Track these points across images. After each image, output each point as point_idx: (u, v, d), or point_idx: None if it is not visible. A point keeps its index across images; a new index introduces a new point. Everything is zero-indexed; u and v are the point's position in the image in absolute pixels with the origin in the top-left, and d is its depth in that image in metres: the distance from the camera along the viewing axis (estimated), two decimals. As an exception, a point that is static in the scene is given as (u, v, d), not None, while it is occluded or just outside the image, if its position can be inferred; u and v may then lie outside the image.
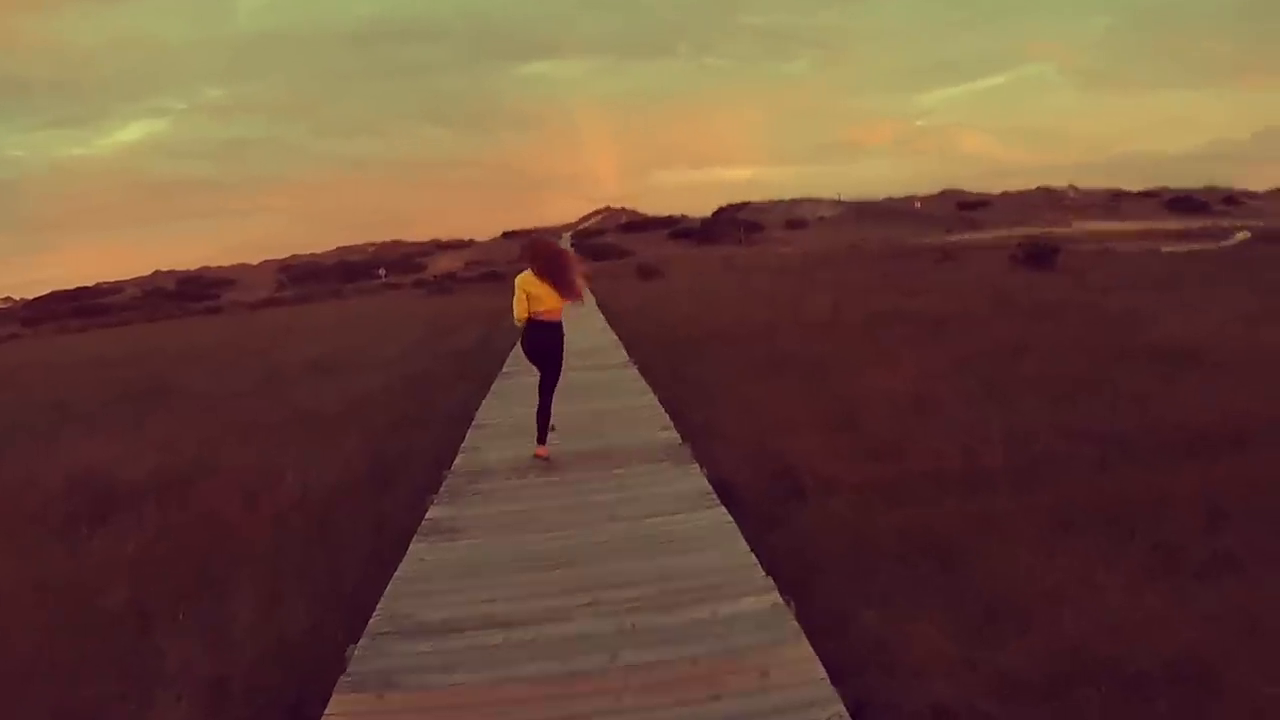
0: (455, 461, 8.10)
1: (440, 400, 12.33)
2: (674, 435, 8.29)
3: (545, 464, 7.75)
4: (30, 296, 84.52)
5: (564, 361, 8.46)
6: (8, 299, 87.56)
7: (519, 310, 8.12)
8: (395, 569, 5.40)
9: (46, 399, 17.26)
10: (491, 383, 12.87)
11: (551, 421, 8.29)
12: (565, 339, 8.40)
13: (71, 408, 15.59)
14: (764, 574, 4.77)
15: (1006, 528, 5.97)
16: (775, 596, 4.48)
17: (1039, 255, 31.60)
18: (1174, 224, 70.14)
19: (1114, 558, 5.43)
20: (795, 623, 4.23)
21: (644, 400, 10.21)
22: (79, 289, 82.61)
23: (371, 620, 4.61)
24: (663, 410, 9.51)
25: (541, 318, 8.10)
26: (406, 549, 5.82)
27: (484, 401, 11.18)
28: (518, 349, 16.31)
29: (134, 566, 6.41)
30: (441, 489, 7.19)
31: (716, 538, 5.42)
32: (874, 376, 11.94)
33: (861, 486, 7.23)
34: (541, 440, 8.16)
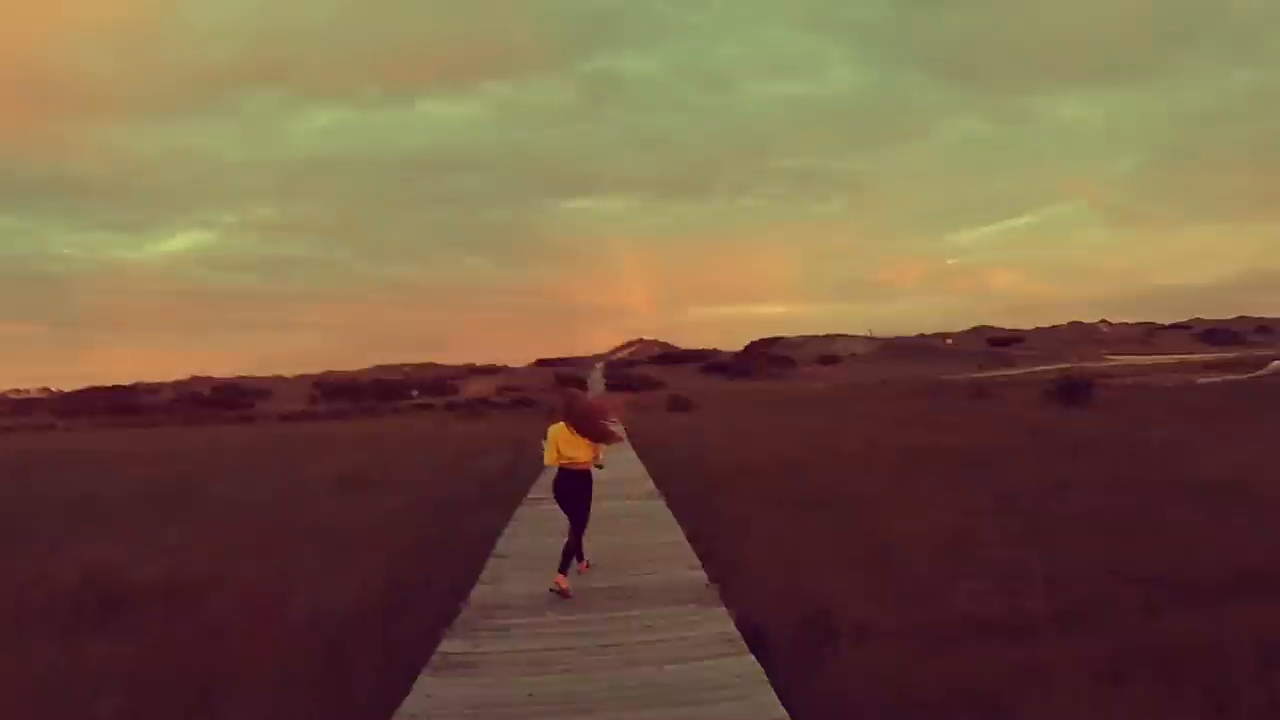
0: (473, 592, 7.78)
1: (463, 526, 12.05)
2: (701, 575, 7.99)
3: (566, 600, 7.43)
4: (68, 390, 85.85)
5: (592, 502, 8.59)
6: (45, 390, 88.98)
7: (549, 458, 8.40)
8: (400, 704, 5.06)
9: (71, 493, 17.28)
10: (515, 509, 12.54)
11: (586, 559, 8.59)
12: (594, 476, 8.60)
13: (94, 504, 15.54)
14: (795, 732, 4.39)
15: (1054, 677, 5.62)
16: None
17: (1073, 390, 31.34)
18: (1209, 355, 69.66)
19: (1167, 707, 5.12)
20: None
21: (671, 536, 9.92)
22: (116, 387, 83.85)
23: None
24: (690, 547, 9.18)
25: (571, 466, 8.34)
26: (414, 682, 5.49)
27: (506, 529, 10.89)
28: (544, 476, 16.31)
29: (131, 676, 6.16)
30: (456, 621, 6.86)
31: (743, 688, 5.07)
32: (910, 515, 11.63)
33: (899, 632, 6.90)
34: (563, 569, 8.01)
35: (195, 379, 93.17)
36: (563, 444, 8.29)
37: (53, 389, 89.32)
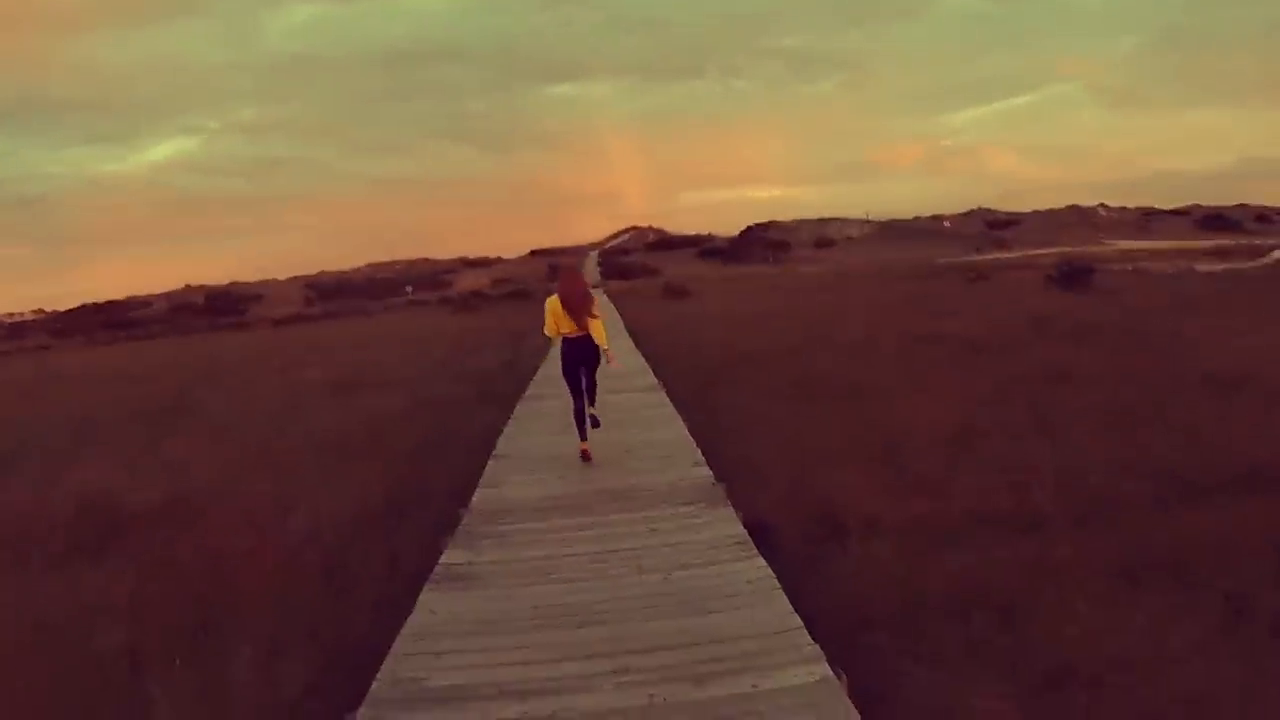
0: (473, 498, 7.63)
1: (461, 425, 11.92)
2: (706, 473, 7.80)
3: (568, 503, 7.27)
4: (61, 309, 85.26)
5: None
6: (39, 311, 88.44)
7: (548, 329, 9.34)
8: (404, 620, 4.95)
9: (67, 415, 17.09)
10: (514, 406, 12.39)
11: (595, 416, 9.25)
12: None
13: (90, 425, 15.37)
14: (810, 640, 4.28)
15: (1066, 578, 5.54)
16: (824, 668, 4.00)
17: (1073, 275, 30.96)
18: (1207, 242, 69.23)
19: (1183, 612, 5.02)
20: (848, 701, 3.74)
21: (673, 431, 9.71)
22: (108, 302, 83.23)
23: (374, 685, 4.16)
24: (694, 444, 9.00)
25: (571, 335, 9.15)
26: (417, 596, 5.38)
27: (506, 428, 10.72)
28: (543, 370, 16.18)
29: (133, 605, 6.10)
30: (458, 529, 6.72)
31: (755, 595, 4.92)
32: (913, 404, 11.50)
33: (906, 528, 6.83)
34: (583, 437, 9.07)
35: (188, 288, 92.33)
36: (559, 317, 9.12)
37: (46, 309, 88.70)
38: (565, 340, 9.21)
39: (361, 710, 3.91)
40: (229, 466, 10.52)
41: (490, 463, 8.88)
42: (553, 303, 9.20)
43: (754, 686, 3.87)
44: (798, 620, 4.51)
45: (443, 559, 6.02)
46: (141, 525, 8.13)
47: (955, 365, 14.49)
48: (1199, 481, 7.22)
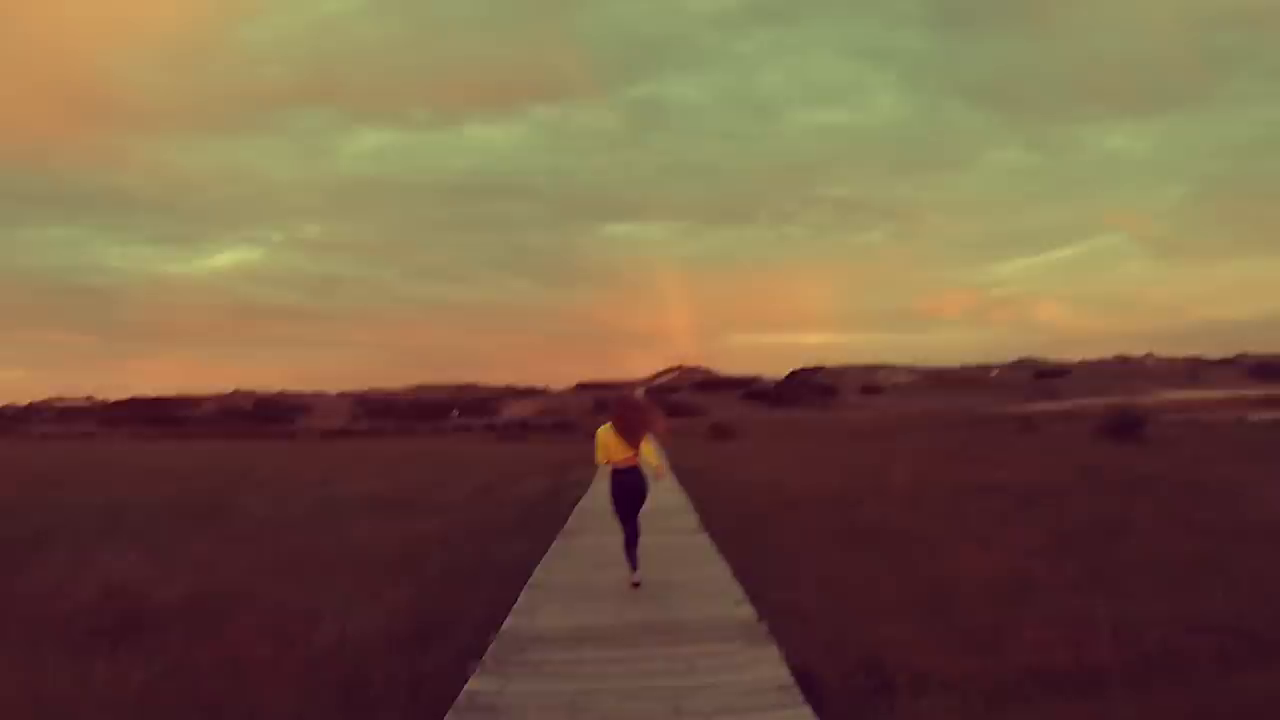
0: (505, 624, 7.32)
1: (499, 553, 11.63)
2: (749, 612, 7.46)
3: (604, 635, 6.95)
4: (112, 399, 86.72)
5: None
6: (90, 399, 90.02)
7: (599, 458, 9.27)
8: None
9: (103, 502, 17.18)
10: (553, 538, 12.09)
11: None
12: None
13: (125, 515, 15.38)
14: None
15: None
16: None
17: (1124, 426, 30.34)
18: (1258, 391, 67.94)
19: None
20: None
21: (715, 571, 9.40)
22: (158, 398, 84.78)
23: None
24: (736, 583, 8.67)
25: (621, 465, 9.11)
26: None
27: (544, 559, 10.42)
28: (583, 503, 15.91)
29: (139, 703, 5.90)
30: (486, 655, 6.40)
31: None
32: (964, 554, 11.07)
33: (958, 684, 6.38)
34: (633, 566, 9.07)
35: (237, 393, 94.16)
36: (611, 445, 9.09)
37: (96, 398, 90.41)
38: (615, 472, 9.18)
39: None
40: (258, 571, 10.34)
41: (525, 591, 8.58)
42: (604, 432, 9.20)
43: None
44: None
45: (468, 686, 5.71)
46: (162, 621, 7.95)
47: (1006, 515, 14.04)
48: (1266, 636, 6.84)
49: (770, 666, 5.95)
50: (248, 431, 56.18)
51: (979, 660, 6.93)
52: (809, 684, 6.11)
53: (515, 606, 7.90)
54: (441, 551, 11.92)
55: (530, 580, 9.16)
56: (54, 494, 19.57)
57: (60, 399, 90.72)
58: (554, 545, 11.52)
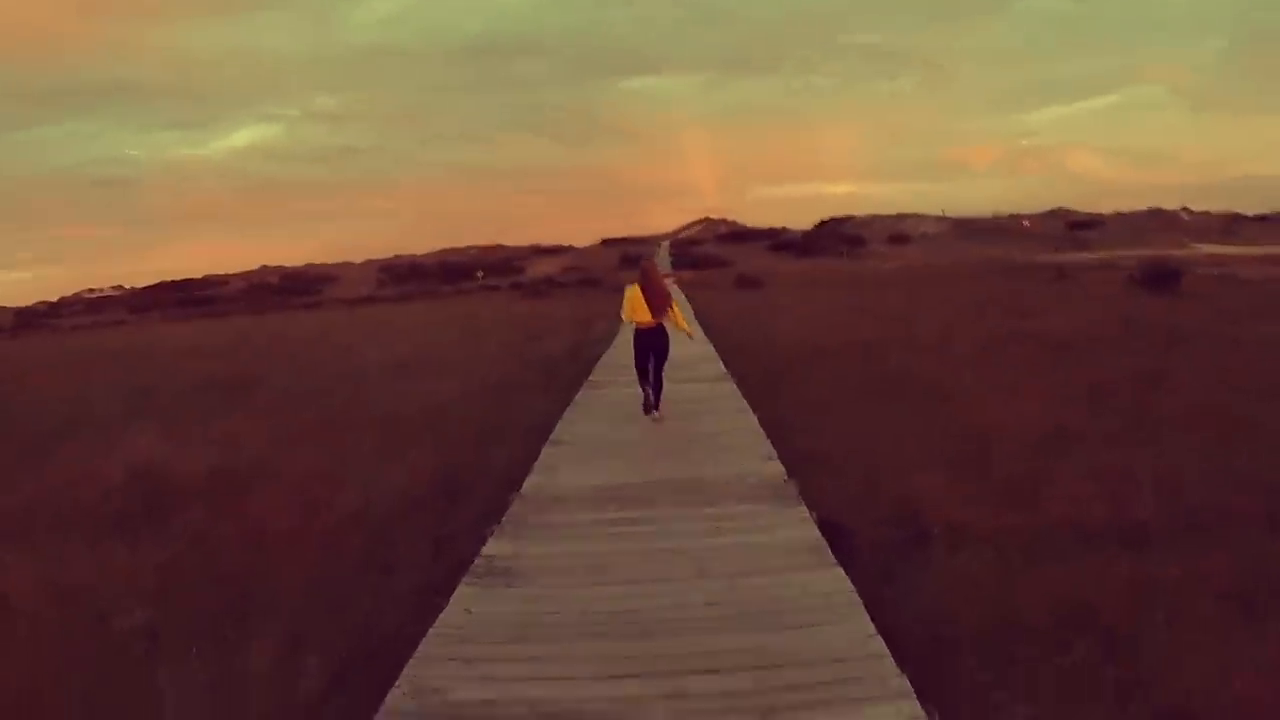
0: (526, 483, 7.12)
1: (521, 410, 11.47)
2: (778, 468, 7.17)
3: (627, 495, 6.70)
4: (140, 286, 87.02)
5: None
6: (118, 286, 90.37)
7: (625, 313, 9.99)
8: (436, 620, 4.43)
9: (134, 385, 17.22)
10: (577, 392, 11.88)
11: (660, 403, 9.95)
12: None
13: (154, 395, 15.44)
14: (896, 671, 3.64)
15: (1176, 603, 4.80)
16: (914, 707, 3.36)
17: (1160, 278, 29.48)
18: (1296, 248, 66.36)
19: None
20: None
21: (743, 422, 9.11)
22: (185, 280, 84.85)
23: (391, 693, 3.64)
24: (764, 436, 8.39)
25: (644, 325, 9.87)
26: (455, 589, 4.89)
27: (565, 414, 10.22)
28: (607, 357, 15.68)
29: (164, 580, 5.78)
30: (505, 517, 6.20)
31: (832, 611, 4.28)
32: (998, 404, 10.75)
33: (995, 537, 6.12)
34: (653, 408, 9.88)
35: (264, 269, 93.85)
36: (637, 305, 9.77)
37: (125, 286, 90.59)
38: (638, 330, 9.92)
39: (375, 723, 3.40)
40: (282, 442, 10.25)
41: (546, 448, 8.38)
42: (633, 291, 9.85)
43: (835, 729, 3.24)
44: (881, 645, 3.87)
45: (485, 549, 5.52)
46: (187, 499, 7.85)
47: (1041, 365, 13.66)
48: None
49: (802, 527, 5.68)
50: (275, 306, 56.15)
51: (1015, 513, 6.67)
52: (839, 536, 5.90)
53: (536, 464, 7.71)
54: (464, 410, 11.79)
55: (552, 436, 8.97)
56: (83, 382, 19.55)
57: (90, 290, 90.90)
58: (576, 399, 11.34)
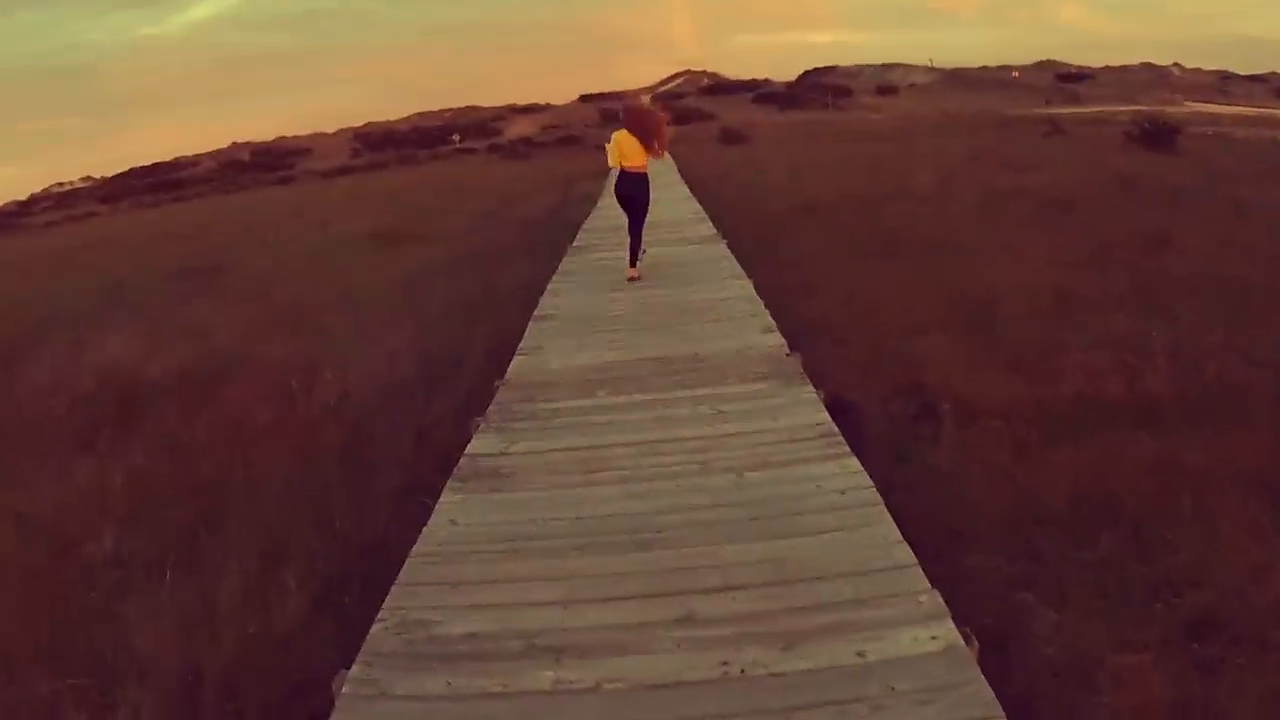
0: (510, 367, 6.68)
1: (502, 280, 11.00)
2: (778, 340, 6.72)
3: (618, 375, 6.26)
4: (110, 174, 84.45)
5: (645, 230, 9.97)
6: (87, 178, 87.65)
7: (611, 159, 9.77)
8: (419, 536, 4.06)
9: (102, 281, 16.67)
10: (561, 258, 11.35)
11: (644, 247, 9.95)
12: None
13: (123, 292, 14.86)
14: (926, 585, 3.27)
15: (1201, 489, 4.49)
16: (949, 629, 3.00)
17: (1158, 135, 28.58)
18: (1290, 111, 65.05)
19: None
20: (984, 682, 2.78)
21: (737, 289, 8.62)
22: (155, 165, 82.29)
23: (374, 630, 3.29)
24: (761, 304, 7.93)
25: (630, 170, 9.65)
26: (440, 492, 4.52)
27: (550, 284, 9.72)
28: (591, 219, 15.08)
29: (134, 496, 5.45)
30: (490, 408, 5.79)
31: (851, 514, 3.87)
32: (1000, 264, 10.37)
33: (1008, 411, 5.80)
34: (632, 263, 9.80)
35: (235, 145, 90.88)
36: (625, 148, 9.55)
37: (94, 176, 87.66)
38: (623, 174, 9.73)
39: (353, 671, 3.05)
40: (256, 329, 9.92)
41: (531, 325, 7.91)
42: (621, 135, 9.64)
43: (860, 656, 2.89)
44: (908, 553, 3.48)
45: (470, 448, 5.09)
46: (159, 398, 7.51)
47: (1041, 223, 13.20)
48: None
49: (807, 408, 5.27)
50: (248, 183, 54.63)
51: (1026, 385, 6.35)
52: (847, 413, 5.57)
53: (520, 345, 7.24)
54: (443, 283, 11.34)
55: (537, 310, 8.49)
56: (54, 281, 18.88)
57: (59, 184, 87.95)
58: (561, 265, 10.83)
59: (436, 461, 5.36)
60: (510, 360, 6.91)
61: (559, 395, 5.89)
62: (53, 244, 30.84)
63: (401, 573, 3.67)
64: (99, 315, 12.40)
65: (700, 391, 5.68)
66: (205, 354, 8.88)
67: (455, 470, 4.77)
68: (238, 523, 4.85)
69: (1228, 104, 77.31)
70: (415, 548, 3.87)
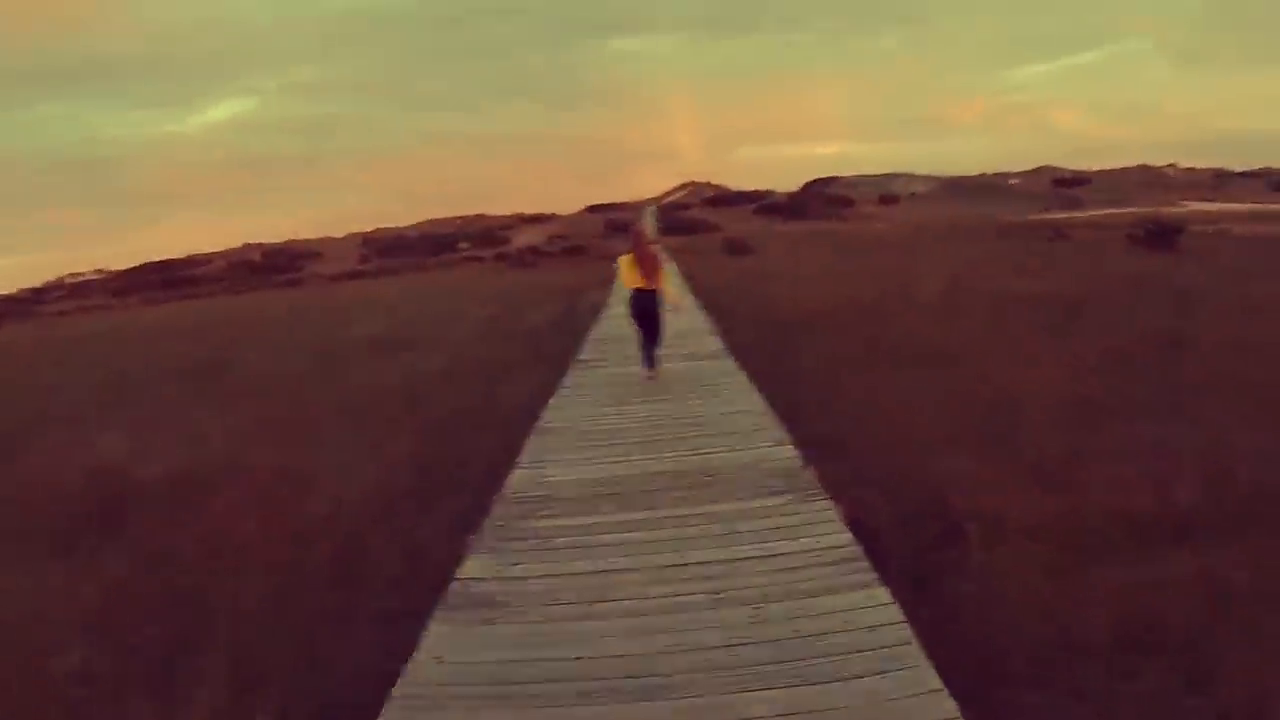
0: (509, 479, 6.33)
1: (506, 391, 10.71)
2: (791, 452, 6.40)
3: (624, 491, 5.89)
4: (123, 268, 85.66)
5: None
6: (100, 270, 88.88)
7: (626, 282, 10.46)
8: (402, 672, 3.68)
9: (103, 375, 16.52)
10: (565, 372, 11.07)
11: (658, 365, 10.50)
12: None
13: (125, 385, 14.78)
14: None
15: (1249, 611, 4.18)
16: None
17: (1160, 236, 28.80)
18: (1288, 205, 66.06)
19: None
20: None
21: (748, 402, 8.31)
22: (167, 261, 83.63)
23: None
24: (772, 415, 7.62)
25: (642, 290, 10.24)
26: (427, 621, 4.16)
27: (554, 397, 9.41)
28: (596, 329, 14.87)
29: (110, 607, 5.18)
30: (486, 522, 5.43)
31: (883, 654, 3.49)
32: (1014, 371, 10.11)
33: (1036, 529, 5.47)
34: (647, 367, 10.42)
35: (247, 246, 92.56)
36: (630, 272, 10.26)
37: (108, 269, 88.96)
38: (636, 292, 10.28)
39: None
40: (253, 433, 9.66)
41: (532, 437, 7.57)
42: (627, 259, 10.39)
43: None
44: (951, 706, 3.10)
45: (463, 570, 4.72)
46: (147, 502, 7.25)
47: (1052, 329, 12.99)
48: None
49: (826, 528, 4.92)
50: (258, 284, 55.22)
51: (1053, 500, 6.04)
52: (866, 532, 5.23)
53: (520, 458, 6.89)
54: (445, 392, 11.09)
55: (539, 423, 8.15)
56: (58, 371, 18.87)
57: (72, 274, 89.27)
58: (565, 380, 10.53)
59: (429, 582, 5.01)
60: (509, 475, 6.57)
61: (560, 511, 5.53)
62: (62, 333, 31.03)
63: (382, 714, 3.28)
64: (97, 411, 12.21)
65: (712, 508, 5.32)
66: (197, 459, 8.60)
67: (446, 596, 4.39)
68: (213, 645, 4.52)
69: (1225, 201, 78.41)
70: (397, 688, 3.47)
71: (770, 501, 5.38)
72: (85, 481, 7.95)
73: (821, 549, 4.59)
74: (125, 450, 9.05)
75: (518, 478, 6.37)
